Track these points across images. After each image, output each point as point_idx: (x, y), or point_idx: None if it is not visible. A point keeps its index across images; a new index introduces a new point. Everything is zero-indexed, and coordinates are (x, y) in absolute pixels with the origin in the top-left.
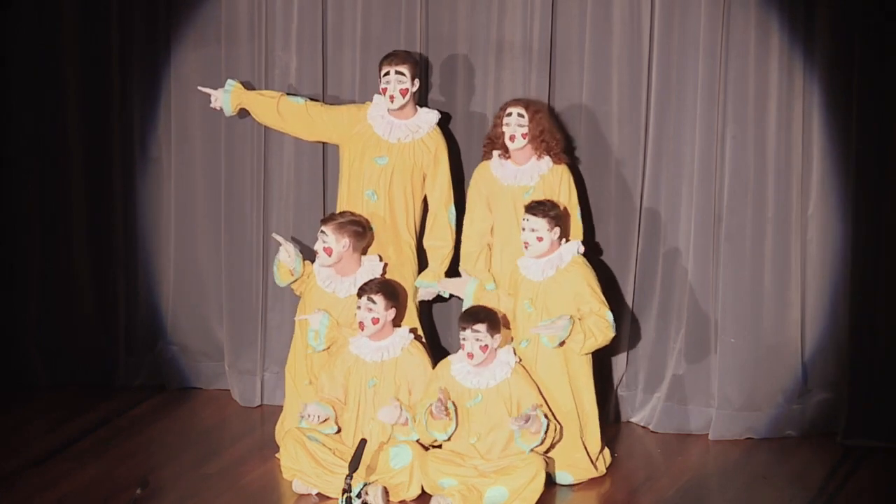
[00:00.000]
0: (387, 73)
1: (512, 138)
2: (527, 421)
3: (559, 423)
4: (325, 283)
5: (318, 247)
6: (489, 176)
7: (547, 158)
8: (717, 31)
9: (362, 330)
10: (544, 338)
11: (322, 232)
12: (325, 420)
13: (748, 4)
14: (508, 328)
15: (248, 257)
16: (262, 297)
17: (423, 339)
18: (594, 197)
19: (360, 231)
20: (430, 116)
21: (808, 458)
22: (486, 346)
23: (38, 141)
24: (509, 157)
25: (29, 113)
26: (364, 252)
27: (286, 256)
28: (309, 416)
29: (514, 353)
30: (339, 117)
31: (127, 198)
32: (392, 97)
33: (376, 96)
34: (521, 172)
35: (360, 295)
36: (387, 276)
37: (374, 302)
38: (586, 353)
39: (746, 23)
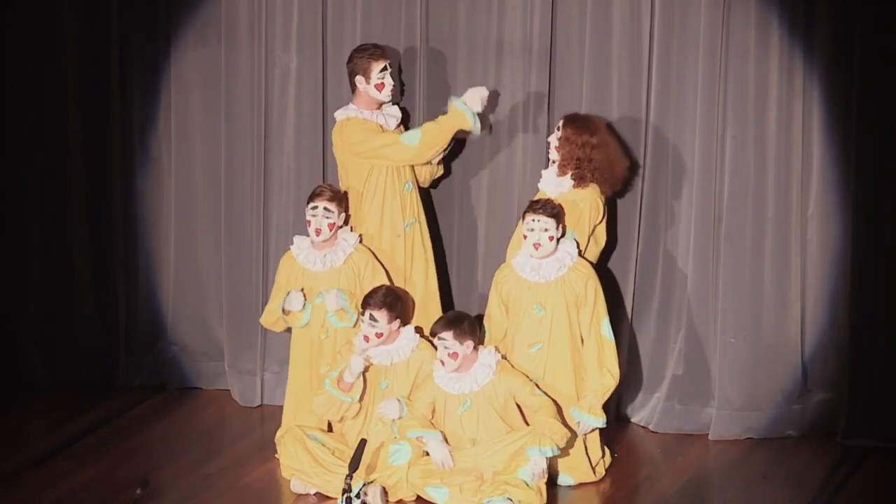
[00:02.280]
0: (384, 69)
1: (548, 146)
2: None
3: (569, 427)
4: (305, 260)
5: (320, 224)
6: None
7: (568, 178)
8: (717, 31)
9: (367, 342)
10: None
11: (326, 209)
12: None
13: (748, 4)
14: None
15: (248, 257)
16: (262, 297)
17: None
18: None
19: (345, 197)
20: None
21: (808, 458)
22: (456, 353)
23: (38, 140)
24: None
25: (29, 113)
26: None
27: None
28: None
29: (497, 352)
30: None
31: (127, 198)
32: (392, 91)
33: (343, 110)
34: (552, 181)
35: (363, 308)
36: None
37: (376, 320)
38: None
39: (746, 23)
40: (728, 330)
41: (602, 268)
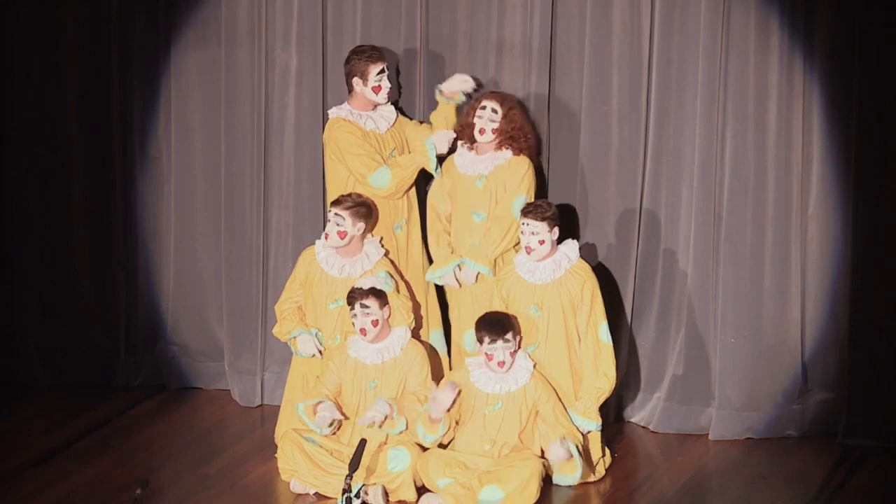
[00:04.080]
0: (382, 72)
1: (482, 132)
2: (563, 452)
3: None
4: (324, 260)
5: (330, 229)
6: (451, 164)
7: (507, 151)
8: (717, 31)
9: (364, 335)
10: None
11: (337, 215)
12: (332, 423)
13: (748, 4)
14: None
15: (248, 257)
16: (262, 297)
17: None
18: (594, 197)
19: (369, 213)
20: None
21: (808, 458)
22: (514, 351)
23: (38, 141)
24: (474, 147)
25: (29, 113)
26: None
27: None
28: (324, 419)
29: (529, 357)
30: (368, 144)
31: (127, 198)
32: (389, 93)
33: (337, 109)
34: (478, 161)
35: (350, 304)
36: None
37: (367, 306)
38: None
39: (746, 23)
40: (728, 330)
41: (602, 268)
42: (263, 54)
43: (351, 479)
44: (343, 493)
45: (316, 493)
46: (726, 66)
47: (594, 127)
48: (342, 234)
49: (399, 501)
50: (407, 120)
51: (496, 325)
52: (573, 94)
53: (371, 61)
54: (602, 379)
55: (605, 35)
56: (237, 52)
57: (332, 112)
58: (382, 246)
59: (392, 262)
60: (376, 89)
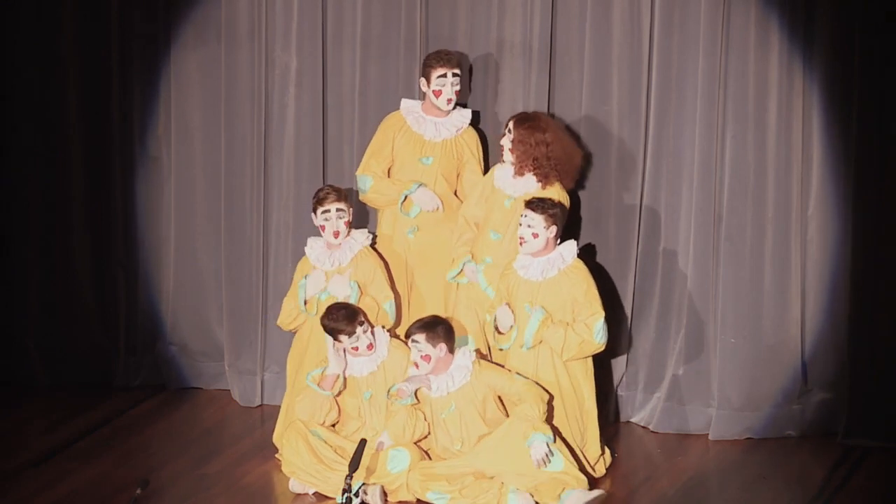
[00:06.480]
0: (444, 76)
1: (501, 149)
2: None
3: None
4: (316, 259)
5: (338, 226)
6: (491, 176)
7: (531, 176)
8: (717, 31)
9: (371, 350)
10: (526, 336)
11: (339, 209)
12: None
13: (748, 4)
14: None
15: (248, 257)
16: (262, 297)
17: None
18: (594, 197)
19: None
20: (465, 112)
21: (808, 458)
22: (428, 356)
23: (38, 141)
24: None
25: (29, 113)
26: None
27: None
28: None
29: (472, 353)
30: (387, 149)
31: (127, 198)
32: (449, 100)
33: (405, 100)
34: (511, 181)
35: (349, 333)
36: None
37: (360, 331)
38: (568, 359)
39: (746, 23)
40: (728, 330)
41: (601, 268)
42: (263, 54)
43: (351, 478)
44: (343, 493)
45: (315, 493)
46: (726, 66)
47: (594, 127)
48: (348, 223)
49: (399, 502)
50: (474, 150)
51: (414, 324)
52: (573, 94)
53: (436, 65)
54: (583, 330)
55: (605, 35)
56: (237, 52)
57: (401, 103)
58: (371, 233)
59: (379, 253)
60: (436, 93)
